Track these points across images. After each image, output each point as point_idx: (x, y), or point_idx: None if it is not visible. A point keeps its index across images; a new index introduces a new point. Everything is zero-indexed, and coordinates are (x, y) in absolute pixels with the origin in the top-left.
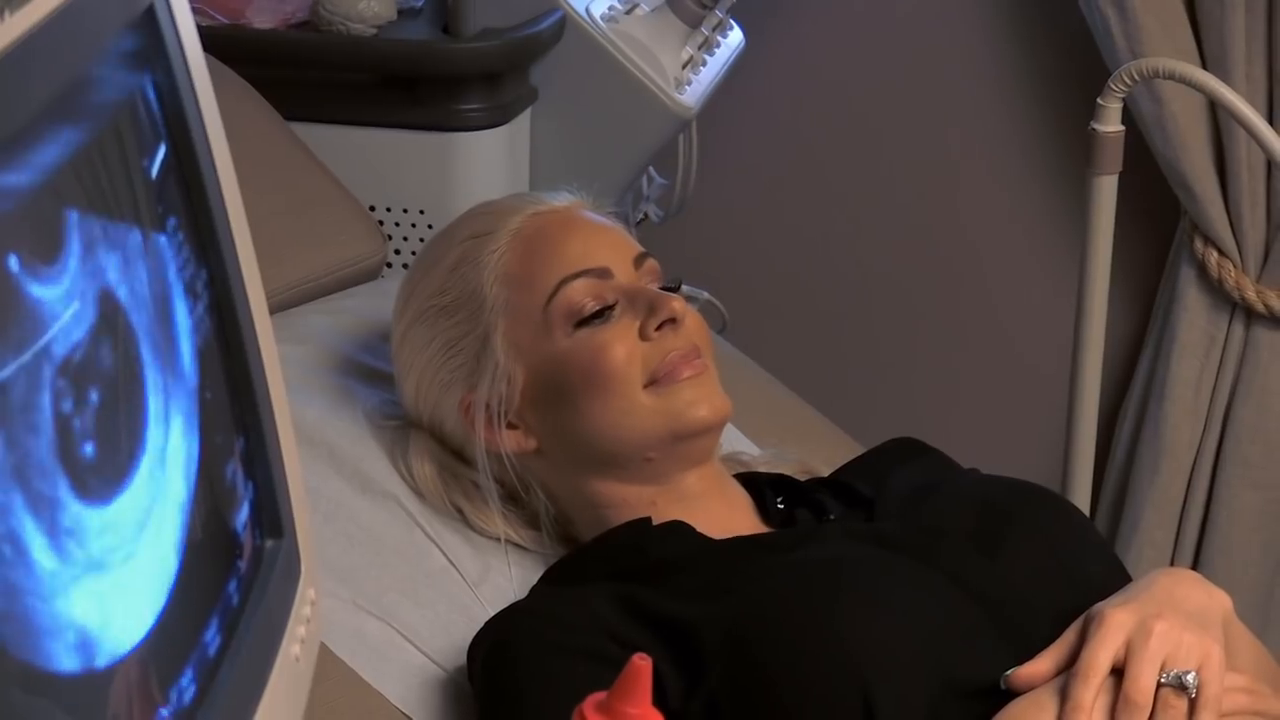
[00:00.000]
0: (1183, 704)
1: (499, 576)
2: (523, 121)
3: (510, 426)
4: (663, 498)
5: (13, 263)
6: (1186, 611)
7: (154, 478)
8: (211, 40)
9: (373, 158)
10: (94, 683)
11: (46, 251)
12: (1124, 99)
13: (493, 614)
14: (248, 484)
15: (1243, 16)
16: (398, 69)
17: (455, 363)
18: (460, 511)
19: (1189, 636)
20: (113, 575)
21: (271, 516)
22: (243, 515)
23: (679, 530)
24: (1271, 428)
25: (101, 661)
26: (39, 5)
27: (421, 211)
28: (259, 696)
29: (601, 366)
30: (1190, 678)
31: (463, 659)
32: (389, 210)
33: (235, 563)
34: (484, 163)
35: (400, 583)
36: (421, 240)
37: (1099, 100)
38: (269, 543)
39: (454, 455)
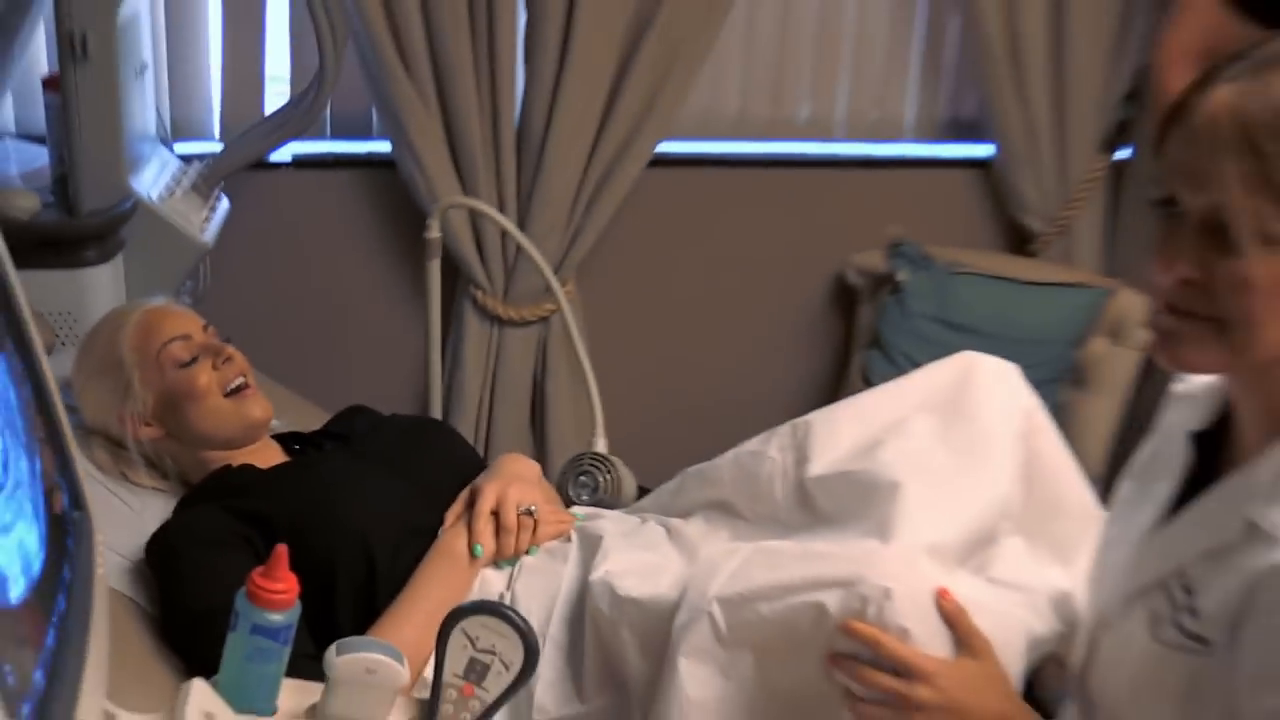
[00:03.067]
0: (531, 522)
1: (152, 507)
2: (119, 259)
3: (146, 425)
4: (237, 456)
5: None
6: (522, 477)
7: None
8: None
9: (38, 287)
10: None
11: None
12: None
13: (155, 528)
14: (63, 476)
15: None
16: (45, 236)
17: (114, 397)
18: (124, 476)
19: (525, 490)
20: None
21: (75, 495)
22: (65, 500)
23: (249, 468)
24: None
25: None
26: None
27: (69, 313)
28: (91, 613)
29: (195, 389)
30: (533, 509)
31: (143, 554)
32: (49, 314)
33: (67, 542)
34: (100, 285)
35: (107, 523)
36: (71, 329)
37: (429, 221)
38: (77, 514)
39: (117, 445)
